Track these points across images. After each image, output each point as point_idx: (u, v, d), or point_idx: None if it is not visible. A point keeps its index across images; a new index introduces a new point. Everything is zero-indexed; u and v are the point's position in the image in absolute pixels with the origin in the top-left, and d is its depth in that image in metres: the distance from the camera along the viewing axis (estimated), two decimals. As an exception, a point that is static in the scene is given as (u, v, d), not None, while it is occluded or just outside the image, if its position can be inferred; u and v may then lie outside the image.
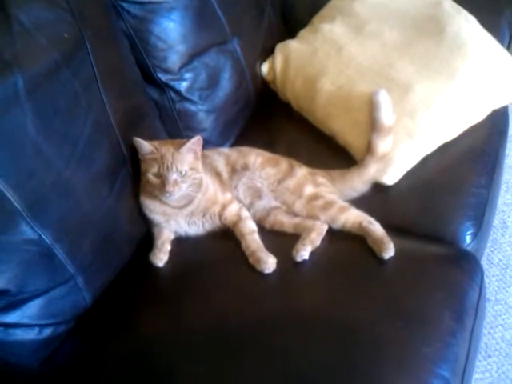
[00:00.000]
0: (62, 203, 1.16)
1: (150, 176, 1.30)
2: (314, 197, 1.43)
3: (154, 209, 1.39)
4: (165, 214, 1.40)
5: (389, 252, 1.28)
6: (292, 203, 1.43)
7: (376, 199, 1.51)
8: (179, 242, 1.42)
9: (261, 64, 1.87)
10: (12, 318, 1.09)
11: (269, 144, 1.62)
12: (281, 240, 1.38)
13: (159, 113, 1.57)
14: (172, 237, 1.43)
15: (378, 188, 1.53)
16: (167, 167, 1.28)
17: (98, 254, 1.25)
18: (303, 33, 1.91)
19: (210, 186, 1.43)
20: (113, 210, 1.30)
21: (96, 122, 1.25)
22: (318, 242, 1.34)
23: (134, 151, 1.37)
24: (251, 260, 1.31)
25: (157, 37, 1.49)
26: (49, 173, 1.13)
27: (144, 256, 1.38)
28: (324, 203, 1.41)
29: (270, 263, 1.28)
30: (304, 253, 1.30)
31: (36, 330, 1.14)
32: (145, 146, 1.31)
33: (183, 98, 1.58)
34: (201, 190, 1.39)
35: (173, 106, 1.57)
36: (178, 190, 1.30)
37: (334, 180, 1.51)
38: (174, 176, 1.29)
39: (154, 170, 1.29)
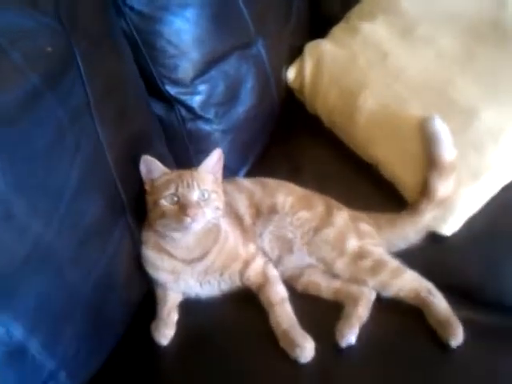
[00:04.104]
0: (39, 280, 0.87)
1: (164, 202, 1.05)
2: (360, 254, 1.15)
3: (161, 265, 1.12)
4: (173, 272, 1.12)
5: (457, 338, 1.02)
6: (331, 262, 1.16)
7: (429, 252, 1.22)
8: (187, 305, 1.15)
9: (286, 68, 1.55)
10: None
11: (294, 172, 1.41)
12: (315, 307, 1.11)
13: (165, 133, 1.29)
14: (179, 299, 1.15)
15: (431, 237, 1.25)
16: (187, 184, 1.05)
17: (85, 338, 0.97)
18: (337, 31, 1.59)
19: (230, 235, 1.15)
20: (106, 276, 1.02)
21: (86, 163, 0.95)
22: (365, 318, 1.07)
23: (134, 192, 1.09)
24: (282, 342, 1.03)
25: (166, 40, 1.21)
26: (22, 242, 0.84)
27: (143, 322, 1.11)
28: (372, 264, 1.13)
29: (307, 350, 1.00)
30: (351, 336, 1.03)
31: None
32: (157, 166, 1.08)
33: (196, 116, 1.31)
34: (218, 241, 1.12)
35: (183, 125, 1.30)
36: (202, 216, 1.04)
37: (380, 227, 1.23)
38: (196, 195, 1.05)
39: (170, 190, 1.05)
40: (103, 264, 1.00)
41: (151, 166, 1.07)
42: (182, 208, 1.03)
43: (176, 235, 1.09)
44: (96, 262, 0.99)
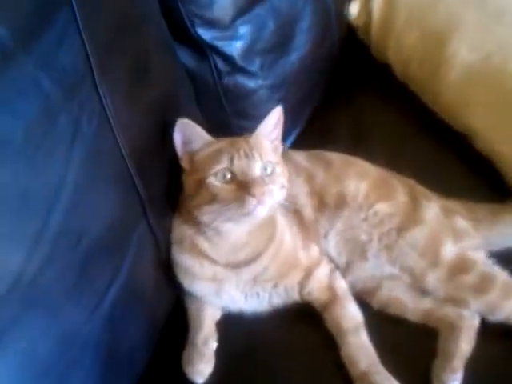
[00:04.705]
0: (21, 330, 0.60)
1: (214, 181, 0.79)
2: (459, 265, 0.87)
3: (200, 272, 0.85)
4: (214, 280, 0.86)
5: None
6: (421, 274, 0.87)
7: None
8: (226, 323, 0.89)
9: (349, 1, 1.23)
10: None
11: (357, 141, 1.13)
12: (399, 332, 0.84)
13: (195, 92, 1.00)
14: (217, 316, 0.90)
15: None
16: (246, 154, 0.80)
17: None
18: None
19: (286, 232, 0.88)
20: (123, 301, 0.75)
21: (88, 154, 0.66)
22: (469, 353, 0.80)
23: (158, 183, 0.82)
24: (360, 384, 0.79)
25: (197, -36, 0.90)
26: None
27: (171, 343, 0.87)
28: (477, 280, 0.85)
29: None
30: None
31: None
32: (199, 133, 0.82)
33: (236, 68, 1.02)
34: (274, 240, 0.86)
35: (218, 80, 1.02)
36: (270, 195, 0.79)
37: (478, 222, 0.94)
38: (259, 167, 0.80)
39: (222, 164, 0.79)
40: (118, 287, 0.74)
41: (191, 134, 0.81)
42: (243, 186, 0.78)
43: (227, 227, 0.82)
44: (108, 286, 0.72)
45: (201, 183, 0.79)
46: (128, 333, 0.77)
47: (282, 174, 0.83)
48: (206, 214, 0.80)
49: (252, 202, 0.76)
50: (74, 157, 0.61)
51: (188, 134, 0.81)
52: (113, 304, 0.72)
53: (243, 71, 1.02)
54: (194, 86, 1.00)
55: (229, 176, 0.78)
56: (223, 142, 0.82)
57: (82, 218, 0.64)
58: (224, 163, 0.78)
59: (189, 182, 0.82)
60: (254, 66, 1.03)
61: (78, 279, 0.65)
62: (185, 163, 0.83)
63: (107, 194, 0.68)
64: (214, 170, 0.78)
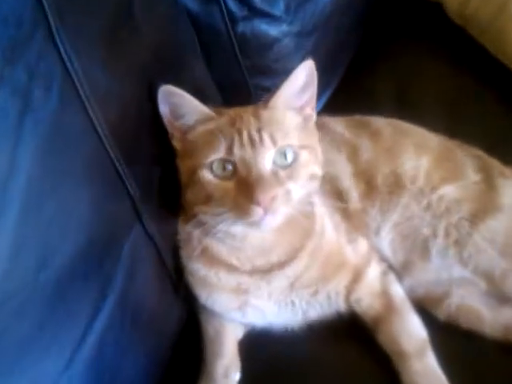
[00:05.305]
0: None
1: (208, 176, 0.61)
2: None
3: (218, 284, 0.68)
4: (238, 292, 0.68)
5: None
6: (502, 277, 0.70)
7: None
8: (248, 342, 0.73)
9: None
10: None
11: (404, 101, 0.95)
12: (475, 352, 0.68)
13: (201, 44, 0.81)
14: (239, 336, 0.73)
15: None
16: (251, 139, 0.60)
17: None
18: None
19: (327, 223, 0.71)
20: (112, 335, 0.58)
21: (49, 136, 0.46)
22: None
23: (154, 171, 0.64)
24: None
25: None
26: None
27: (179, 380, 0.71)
28: None
29: None
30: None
31: None
32: (189, 102, 0.62)
33: (254, 11, 0.82)
34: (312, 234, 0.68)
35: (231, 28, 0.83)
36: (284, 201, 0.61)
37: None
38: (270, 160, 0.61)
39: (218, 153, 0.60)
40: (106, 315, 0.56)
41: (180, 105, 0.62)
42: (245, 188, 0.59)
43: (238, 230, 0.64)
44: (92, 318, 0.54)
45: (194, 173, 0.60)
46: (123, 370, 0.59)
47: (310, 161, 0.63)
48: (205, 214, 0.61)
49: (257, 211, 0.57)
50: (25, 143, 0.42)
51: (177, 106, 0.62)
52: (101, 338, 0.55)
53: (263, 15, 0.83)
54: (200, 37, 0.81)
55: (230, 168, 0.59)
56: (223, 118, 0.63)
57: (43, 233, 0.45)
58: (219, 152, 0.59)
59: (182, 167, 0.64)
60: (277, 9, 0.83)
61: (46, 318, 0.48)
62: (176, 142, 0.64)
63: (80, 193, 0.49)
64: (207, 160, 0.60)
